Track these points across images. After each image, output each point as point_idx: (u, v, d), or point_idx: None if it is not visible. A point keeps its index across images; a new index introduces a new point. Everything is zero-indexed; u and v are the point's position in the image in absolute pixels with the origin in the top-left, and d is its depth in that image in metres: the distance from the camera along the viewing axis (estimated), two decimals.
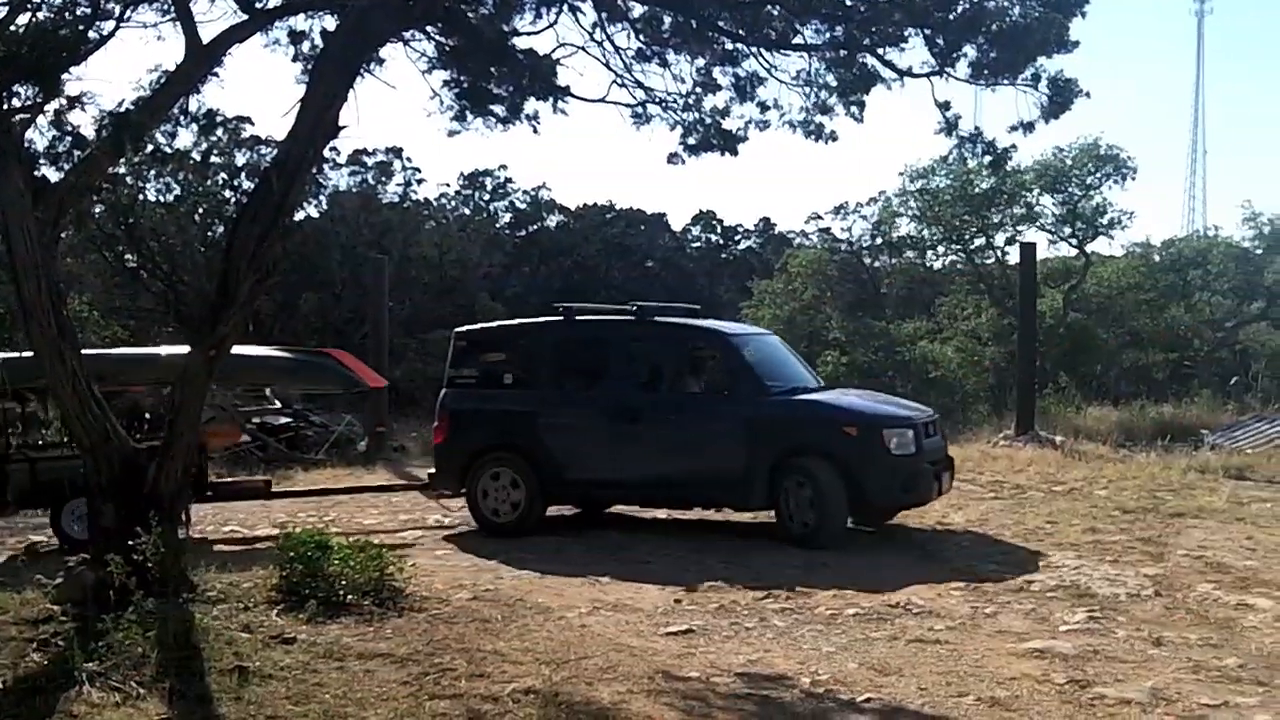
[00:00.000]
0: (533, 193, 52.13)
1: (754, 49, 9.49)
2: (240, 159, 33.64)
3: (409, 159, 42.70)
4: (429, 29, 9.36)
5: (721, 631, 7.99)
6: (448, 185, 50.77)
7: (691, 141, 10.21)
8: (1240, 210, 40.77)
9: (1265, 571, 9.58)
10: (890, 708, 6.40)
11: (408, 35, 9.31)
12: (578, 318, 12.52)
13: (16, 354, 13.39)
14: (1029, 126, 9.16)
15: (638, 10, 9.60)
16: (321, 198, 37.91)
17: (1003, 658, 7.26)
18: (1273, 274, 35.25)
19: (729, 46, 9.58)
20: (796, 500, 11.05)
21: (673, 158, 10.39)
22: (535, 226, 52.34)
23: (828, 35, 9.23)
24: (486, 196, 51.28)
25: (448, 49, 9.61)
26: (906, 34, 8.95)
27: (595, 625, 8.10)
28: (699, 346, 12.27)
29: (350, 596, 8.00)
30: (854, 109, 9.64)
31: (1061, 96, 8.96)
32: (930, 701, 6.48)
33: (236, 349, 13.57)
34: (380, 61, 9.17)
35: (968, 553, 10.76)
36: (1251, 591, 9.02)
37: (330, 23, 9.30)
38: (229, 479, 13.49)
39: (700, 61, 9.76)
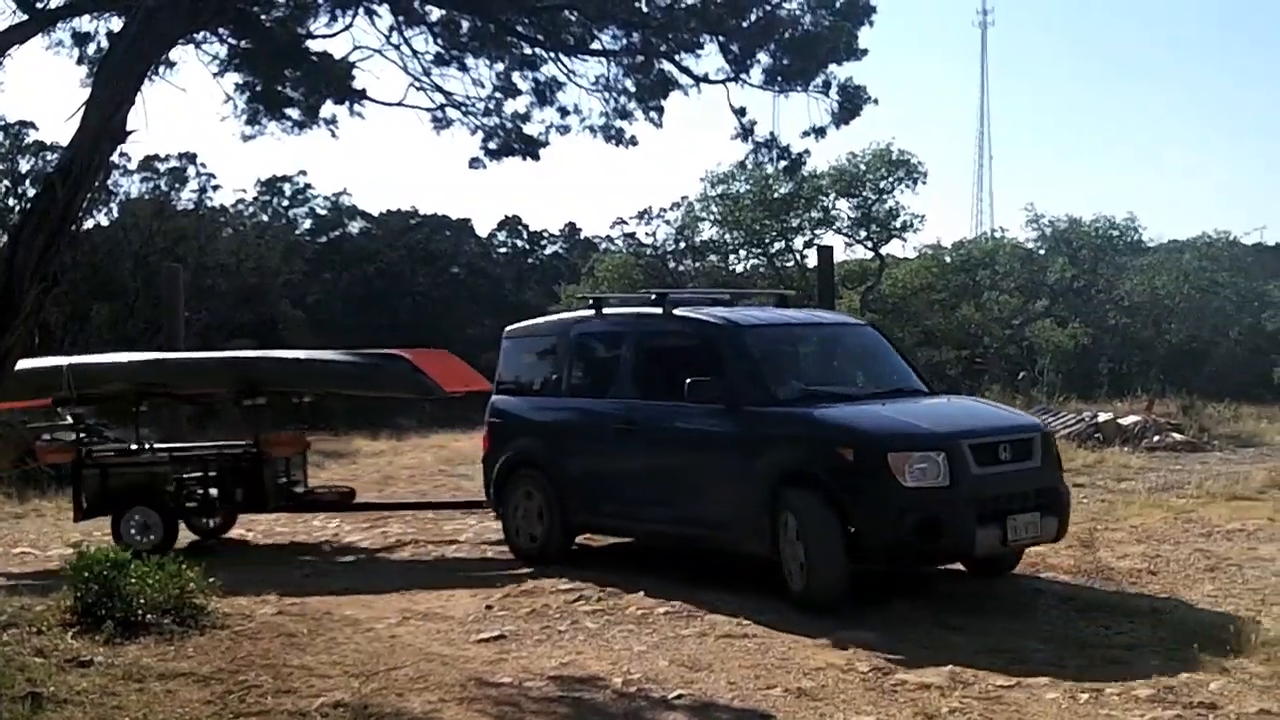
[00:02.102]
0: (333, 199, 51.33)
1: (552, 54, 9.51)
2: (24, 165, 32.15)
3: (203, 165, 41.34)
4: (220, 30, 9.11)
5: (533, 636, 7.99)
6: (245, 192, 49.41)
7: (493, 146, 10.16)
8: (1025, 213, 42.99)
9: (1053, 556, 10.05)
10: (701, 703, 6.50)
11: (198, 37, 9.04)
12: (605, 310, 10.74)
13: (87, 358, 12.54)
14: (821, 132, 9.46)
15: (435, 14, 9.53)
16: (112, 205, 36.53)
17: (808, 649, 7.44)
18: (1054, 273, 37.11)
19: (528, 51, 9.58)
20: (791, 547, 8.51)
21: (474, 162, 10.32)
22: (337, 233, 51.47)
23: (625, 41, 9.33)
24: (285, 203, 50.16)
25: (240, 51, 9.37)
26: (702, 40, 9.11)
27: (405, 635, 8.02)
28: (704, 343, 9.69)
29: (149, 615, 7.71)
30: (653, 114, 9.75)
31: (851, 103, 9.27)
32: (740, 695, 6.61)
33: (295, 353, 12.72)
34: (170, 64, 8.88)
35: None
36: (1043, 576, 9.47)
37: (117, 24, 8.95)
38: (312, 488, 12.57)
39: (499, 66, 9.73)
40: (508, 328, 11.65)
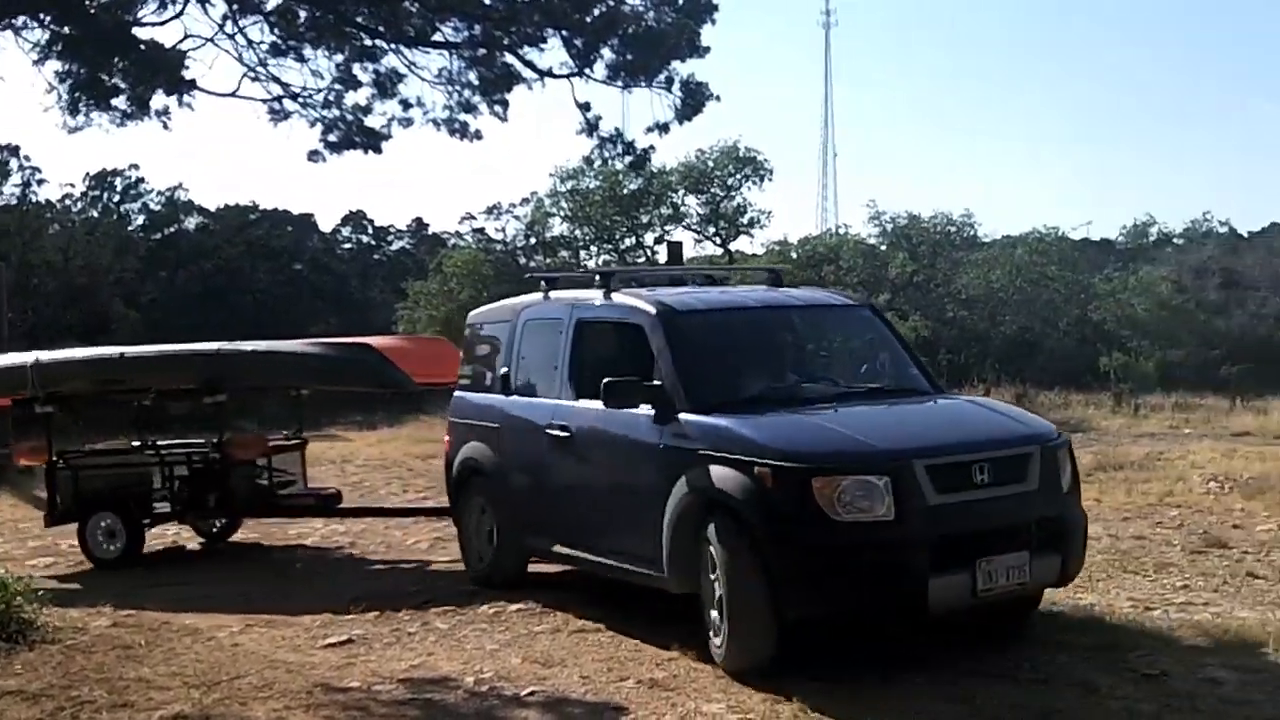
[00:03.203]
0: (168, 193, 49.86)
1: (393, 45, 9.41)
2: None
3: (27, 158, 39.81)
4: (40, 15, 8.76)
5: (382, 639, 7.85)
6: (73, 186, 47.77)
7: (333, 139, 10.01)
8: (867, 209, 44.16)
9: None
10: (554, 699, 6.46)
11: (17, 22, 8.68)
12: (552, 293, 9.18)
13: (51, 354, 11.57)
14: (664, 128, 9.57)
15: (271, 2, 9.35)
16: None
17: (661, 643, 7.36)
18: (895, 268, 38.06)
19: (368, 42, 9.46)
20: (712, 596, 6.91)
21: (314, 155, 10.16)
22: (172, 229, 50.03)
23: (467, 33, 9.28)
24: (117, 198, 48.58)
25: (62, 38, 9.02)
26: (545, 34, 9.12)
27: (248, 643, 7.80)
28: (634, 332, 7.92)
29: None
30: (497, 107, 9.73)
31: (694, 99, 9.38)
32: (593, 689, 6.59)
33: (261, 345, 11.56)
34: None
35: None
36: None
37: None
38: (295, 493, 11.72)
39: (339, 57, 9.60)
40: (470, 313, 10.43)
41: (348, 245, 57.13)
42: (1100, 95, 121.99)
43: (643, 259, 35.66)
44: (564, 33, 9.01)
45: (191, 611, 8.88)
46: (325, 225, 56.69)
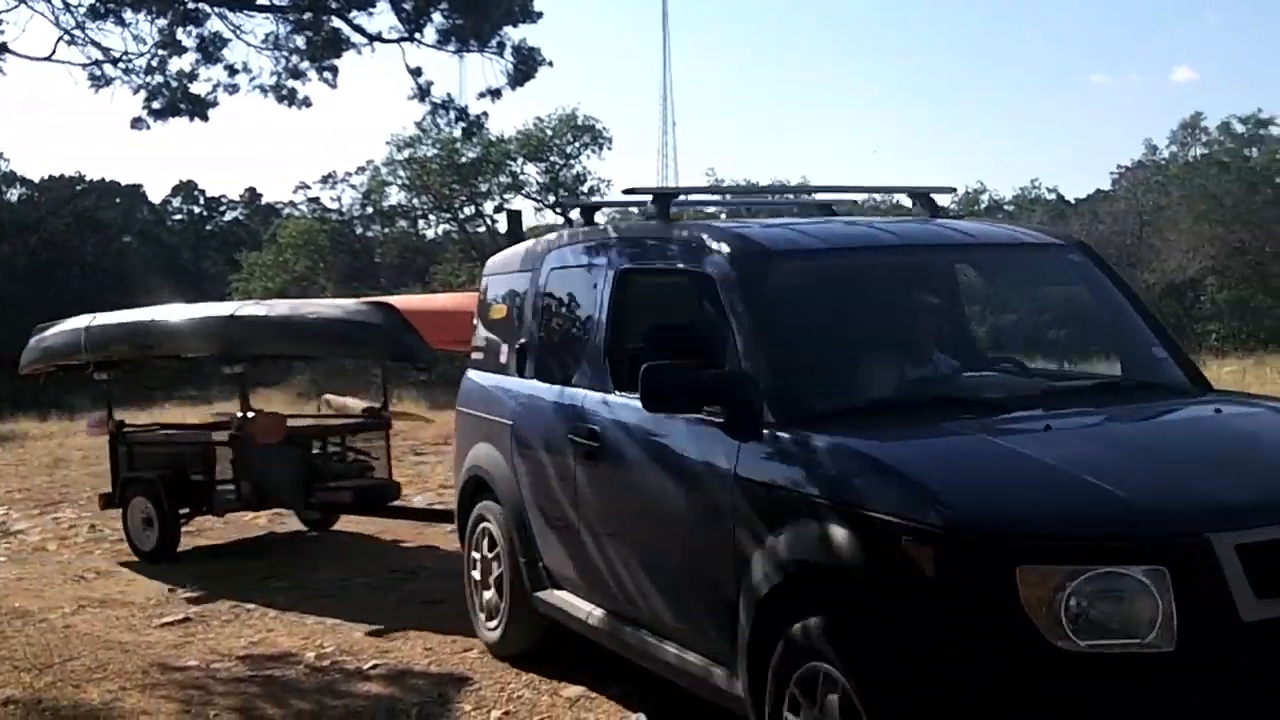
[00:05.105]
0: None
1: (217, 8, 9.20)
2: None
3: None
4: None
5: (221, 616, 7.73)
6: None
7: (157, 106, 9.75)
8: (706, 177, 44.49)
9: None
10: (398, 671, 6.44)
11: None
12: (588, 228, 6.24)
13: (103, 317, 10.42)
14: (496, 93, 9.57)
15: None
16: None
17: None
18: None
19: (191, 5, 9.23)
20: None
21: (137, 123, 9.89)
22: None
23: None
24: None
25: None
26: None
27: (81, 624, 7.60)
28: (701, 288, 4.99)
29: None
30: (327, 74, 9.60)
31: (526, 65, 9.41)
32: (436, 660, 6.59)
33: (276, 306, 10.42)
34: None
35: None
36: None
37: None
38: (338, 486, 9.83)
39: (161, 21, 9.33)
40: (488, 261, 7.57)
41: (179, 216, 55.93)
42: (936, 64, 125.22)
43: (483, 228, 35.45)
44: None
45: (20, 586, 8.67)
46: (155, 196, 55.66)
